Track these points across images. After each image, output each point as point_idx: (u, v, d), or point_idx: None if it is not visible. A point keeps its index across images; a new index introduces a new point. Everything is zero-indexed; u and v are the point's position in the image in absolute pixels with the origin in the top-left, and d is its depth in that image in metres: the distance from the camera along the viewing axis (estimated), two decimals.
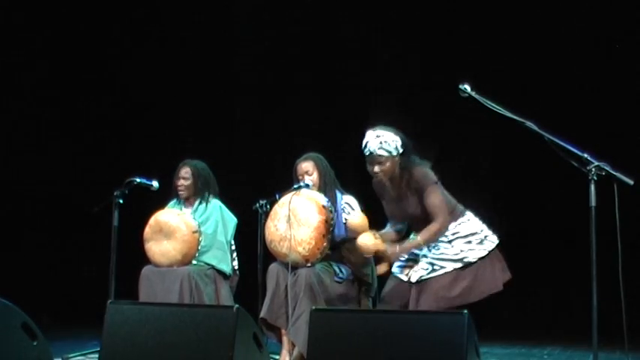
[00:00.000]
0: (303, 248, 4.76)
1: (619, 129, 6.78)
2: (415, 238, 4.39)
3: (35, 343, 3.71)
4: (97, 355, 4.11)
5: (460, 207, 4.49)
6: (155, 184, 5.56)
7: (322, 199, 4.86)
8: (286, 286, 4.81)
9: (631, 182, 3.70)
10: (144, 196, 5.50)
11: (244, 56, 8.12)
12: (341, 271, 4.90)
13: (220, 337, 3.50)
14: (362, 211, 4.89)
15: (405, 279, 4.39)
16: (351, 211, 4.88)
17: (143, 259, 5.43)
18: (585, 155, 3.77)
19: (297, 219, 4.79)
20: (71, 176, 8.19)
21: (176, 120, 8.09)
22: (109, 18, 8.27)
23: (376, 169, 4.36)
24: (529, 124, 3.88)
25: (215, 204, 5.54)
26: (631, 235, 3.96)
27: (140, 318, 3.74)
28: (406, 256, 4.44)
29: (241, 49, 8.13)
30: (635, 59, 6.84)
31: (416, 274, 4.35)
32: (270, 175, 6.21)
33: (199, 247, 5.37)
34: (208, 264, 5.41)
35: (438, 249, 4.36)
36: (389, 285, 4.48)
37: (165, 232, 5.34)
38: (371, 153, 4.34)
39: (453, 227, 4.39)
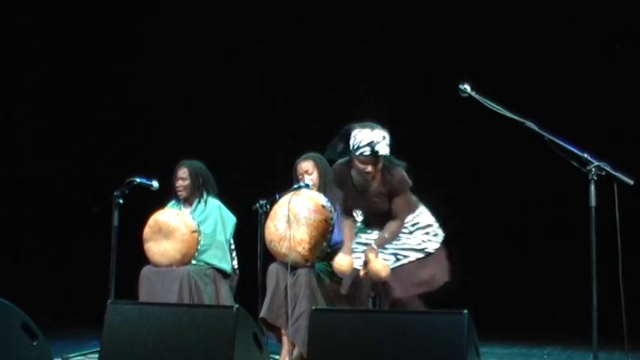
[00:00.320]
0: (303, 248, 4.76)
1: (619, 129, 6.78)
2: (380, 234, 4.43)
3: (35, 343, 3.71)
4: (97, 355, 4.11)
5: (414, 198, 4.57)
6: (155, 184, 5.55)
7: (322, 199, 4.85)
8: (286, 286, 4.81)
9: (631, 182, 3.70)
10: (144, 196, 5.50)
11: (244, 56, 8.12)
12: None
13: (220, 337, 3.50)
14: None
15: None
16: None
17: (143, 259, 5.43)
18: (585, 155, 3.77)
19: (296, 219, 4.79)
20: (71, 176, 8.19)
21: (176, 120, 8.09)
22: (109, 18, 8.27)
23: (370, 168, 4.31)
24: (529, 124, 3.88)
25: (214, 203, 5.54)
26: (631, 235, 3.97)
27: (140, 318, 3.73)
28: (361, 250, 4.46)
29: (241, 49, 8.13)
30: (635, 59, 6.84)
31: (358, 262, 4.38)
32: (270, 175, 6.21)
33: (199, 247, 5.37)
34: (208, 263, 5.41)
35: (400, 240, 4.45)
36: (349, 280, 4.48)
37: (164, 232, 5.34)
38: (376, 154, 4.25)
39: (411, 218, 4.50)
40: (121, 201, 5.42)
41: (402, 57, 7.51)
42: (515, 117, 3.91)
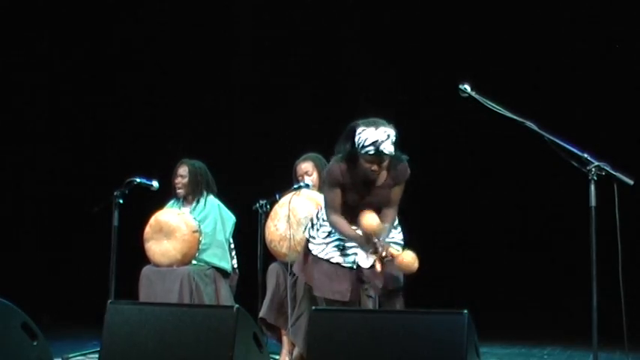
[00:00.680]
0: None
1: (619, 129, 6.78)
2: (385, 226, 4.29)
3: (35, 343, 3.70)
4: (97, 355, 4.12)
5: None
6: (155, 184, 5.55)
7: (322, 199, 4.84)
8: (286, 286, 4.81)
9: (631, 182, 3.70)
10: (144, 196, 5.50)
11: (244, 56, 8.12)
12: None
13: (220, 337, 3.49)
14: None
15: (354, 266, 4.31)
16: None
17: (143, 259, 5.44)
18: (585, 155, 3.76)
19: (297, 219, 4.79)
20: (71, 176, 8.19)
21: (176, 120, 8.09)
22: (109, 18, 8.27)
23: (375, 167, 4.19)
24: (529, 124, 3.87)
25: (213, 202, 5.54)
26: (631, 235, 3.96)
27: (140, 318, 3.73)
28: (349, 245, 4.35)
29: (241, 49, 8.13)
30: (635, 59, 6.84)
31: (369, 260, 4.27)
32: (270, 175, 6.20)
33: (199, 247, 5.37)
34: (208, 262, 5.41)
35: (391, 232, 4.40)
36: (347, 284, 4.33)
37: (165, 232, 5.34)
38: (381, 153, 4.12)
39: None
40: (121, 201, 5.43)
41: (402, 57, 7.50)
42: (515, 117, 3.91)
